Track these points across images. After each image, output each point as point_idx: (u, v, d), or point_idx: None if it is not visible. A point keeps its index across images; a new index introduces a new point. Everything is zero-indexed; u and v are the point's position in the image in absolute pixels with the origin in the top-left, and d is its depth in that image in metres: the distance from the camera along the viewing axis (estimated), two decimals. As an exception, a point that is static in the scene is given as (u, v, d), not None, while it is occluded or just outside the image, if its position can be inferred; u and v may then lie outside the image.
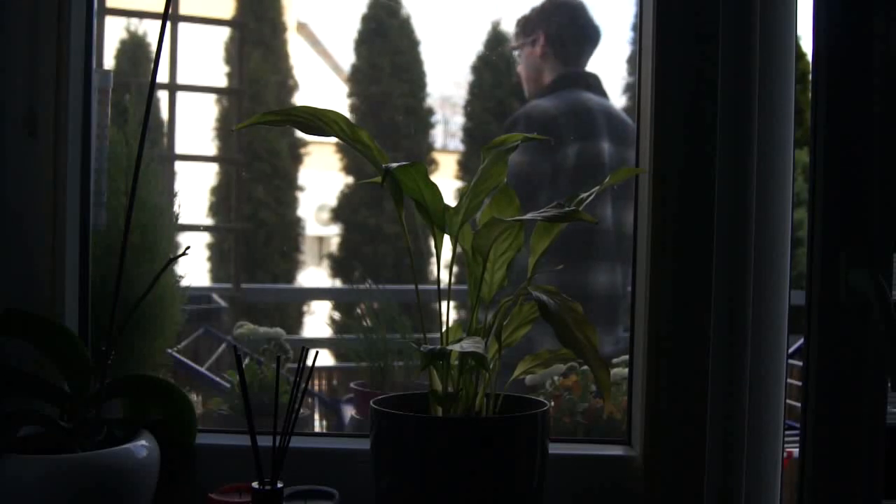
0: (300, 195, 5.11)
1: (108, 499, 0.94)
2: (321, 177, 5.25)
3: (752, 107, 1.04)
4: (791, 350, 1.54)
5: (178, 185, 2.74)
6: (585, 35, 2.30)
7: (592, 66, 2.31)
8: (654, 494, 1.14)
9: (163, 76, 2.99)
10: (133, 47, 4.19)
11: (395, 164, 0.96)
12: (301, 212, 5.13)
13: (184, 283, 1.48)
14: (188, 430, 1.11)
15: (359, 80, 5.17)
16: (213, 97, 4.57)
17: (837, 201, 0.98)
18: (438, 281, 1.02)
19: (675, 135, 1.14)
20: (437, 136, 5.14)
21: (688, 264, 1.13)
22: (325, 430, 2.37)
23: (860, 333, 0.98)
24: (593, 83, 2.27)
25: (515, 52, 2.44)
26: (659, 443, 1.14)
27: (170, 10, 1.07)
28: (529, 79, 2.35)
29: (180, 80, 3.04)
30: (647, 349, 1.16)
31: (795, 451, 1.11)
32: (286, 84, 5.17)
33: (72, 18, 1.19)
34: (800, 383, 1.02)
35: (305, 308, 4.97)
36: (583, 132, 2.17)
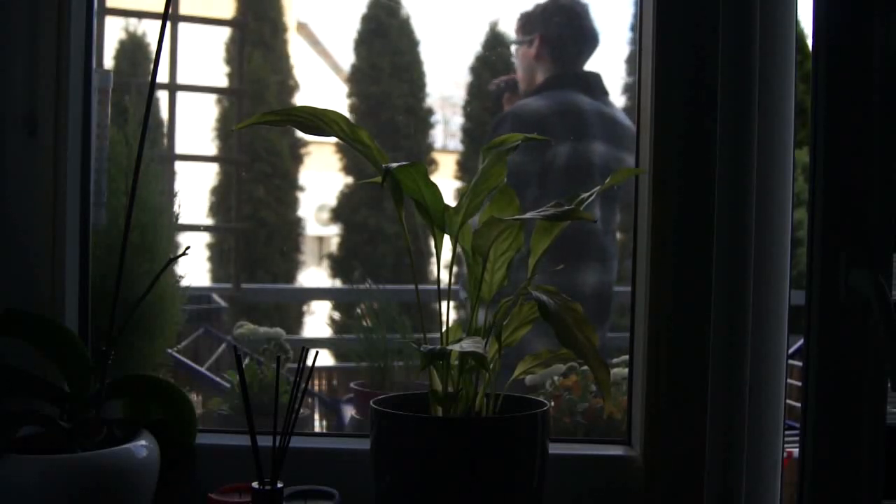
0: (300, 195, 5.11)
1: (108, 499, 0.94)
2: (321, 177, 5.25)
3: (752, 106, 1.04)
4: (791, 350, 1.54)
5: (178, 185, 2.73)
6: (583, 40, 2.30)
7: (592, 66, 2.31)
8: (654, 494, 1.14)
9: (163, 76, 2.99)
10: (132, 47, 4.19)
11: (395, 164, 0.96)
12: (301, 212, 5.13)
13: (184, 283, 1.49)
14: (188, 430, 1.11)
15: (358, 80, 5.17)
16: (213, 97, 4.57)
17: (837, 201, 0.98)
18: (438, 281, 1.02)
19: (675, 135, 1.14)
20: (437, 136, 5.15)
21: (688, 264, 1.13)
22: (325, 430, 2.37)
23: (860, 333, 0.98)
24: (589, 83, 2.26)
25: (514, 48, 2.45)
26: (659, 443, 1.14)
27: (170, 10, 1.07)
28: (523, 79, 2.36)
29: (180, 80, 3.04)
30: (647, 349, 1.16)
31: (795, 451, 1.11)
32: (286, 84, 5.17)
33: (72, 18, 1.18)
34: (800, 383, 1.02)
35: (305, 308, 4.97)
36: (574, 132, 2.17)
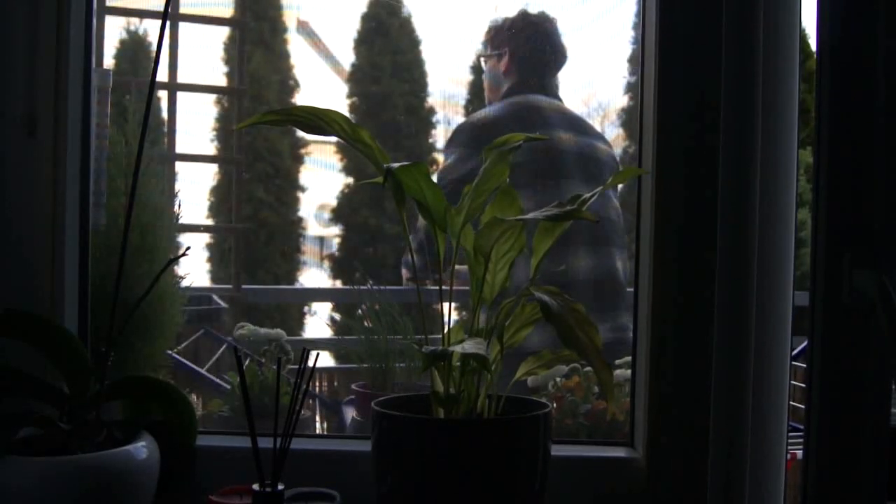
0: (301, 195, 5.11)
1: (108, 500, 0.94)
2: (321, 177, 5.25)
3: (755, 106, 1.03)
4: (795, 352, 1.54)
5: (179, 186, 2.73)
6: (551, 57, 2.36)
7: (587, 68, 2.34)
8: (657, 496, 1.14)
9: (163, 76, 2.98)
10: (132, 47, 4.18)
11: (396, 165, 0.95)
12: (302, 212, 5.13)
13: (184, 283, 1.48)
14: (188, 431, 1.10)
15: (359, 79, 5.17)
16: (213, 97, 4.56)
17: (841, 202, 0.97)
18: (440, 281, 1.02)
19: (677, 135, 1.13)
20: (439, 135, 5.15)
21: (691, 265, 1.13)
22: (325, 432, 2.37)
23: (864, 334, 0.97)
24: (547, 87, 2.33)
25: (482, 60, 2.51)
26: (662, 445, 1.14)
27: (170, 10, 1.06)
28: (490, 88, 2.41)
29: (180, 80, 3.03)
30: (649, 350, 1.15)
31: (799, 452, 1.10)
32: (287, 83, 5.17)
33: (71, 18, 1.18)
34: (803, 385, 1.01)
35: (307, 309, 4.97)
36: (531, 127, 2.19)
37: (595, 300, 2.14)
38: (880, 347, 0.96)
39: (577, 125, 2.25)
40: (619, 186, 2.21)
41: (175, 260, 1.11)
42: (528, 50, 2.34)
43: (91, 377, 1.01)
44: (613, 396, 0.99)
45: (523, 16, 2.40)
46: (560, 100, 2.34)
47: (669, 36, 1.14)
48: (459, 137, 2.22)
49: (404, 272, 2.38)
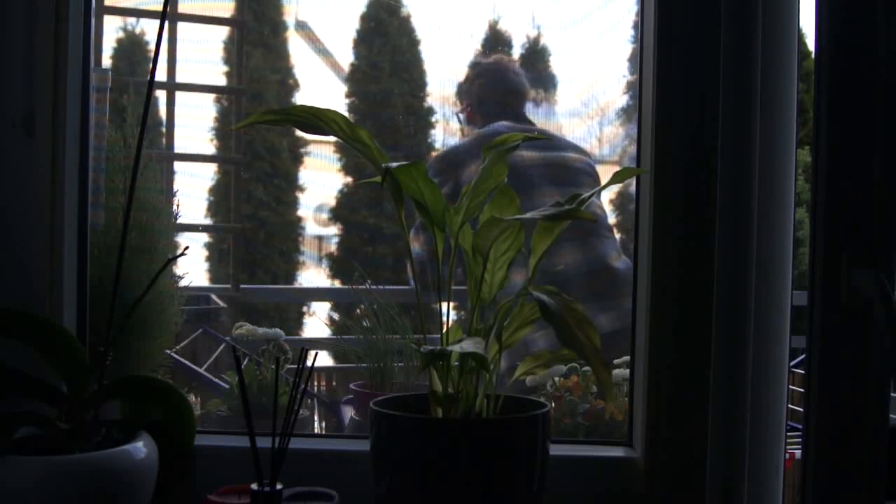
0: (300, 195, 5.10)
1: (106, 500, 0.94)
2: (320, 177, 5.24)
3: (753, 105, 1.03)
4: (794, 362, 1.54)
5: (177, 185, 2.73)
6: (509, 92, 2.51)
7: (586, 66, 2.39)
8: (656, 496, 1.14)
9: (161, 75, 2.98)
10: (130, 46, 4.18)
11: (394, 164, 0.95)
12: (301, 212, 5.11)
13: (182, 283, 1.48)
14: (187, 431, 1.10)
15: (358, 79, 5.16)
16: (212, 96, 4.56)
17: (839, 201, 0.97)
18: (438, 281, 1.02)
19: (676, 134, 1.13)
20: (437, 135, 5.14)
21: (689, 265, 1.13)
22: (324, 432, 2.37)
23: (862, 333, 0.97)
24: (518, 117, 2.46)
25: (457, 116, 2.70)
26: (660, 444, 1.14)
27: (168, 9, 1.06)
28: (466, 134, 2.60)
29: (179, 79, 3.02)
30: (648, 350, 1.15)
31: (797, 452, 1.10)
32: (286, 83, 5.16)
33: (70, 17, 1.18)
34: (801, 389, 1.01)
35: (305, 309, 4.96)
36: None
37: (593, 291, 2.16)
38: (879, 347, 0.96)
39: (544, 142, 2.35)
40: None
41: (174, 259, 1.11)
42: (484, 94, 2.51)
43: (89, 377, 1.00)
44: (612, 396, 0.99)
45: (475, 65, 2.62)
46: (531, 122, 2.48)
47: (668, 34, 1.13)
48: (429, 171, 2.33)
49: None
